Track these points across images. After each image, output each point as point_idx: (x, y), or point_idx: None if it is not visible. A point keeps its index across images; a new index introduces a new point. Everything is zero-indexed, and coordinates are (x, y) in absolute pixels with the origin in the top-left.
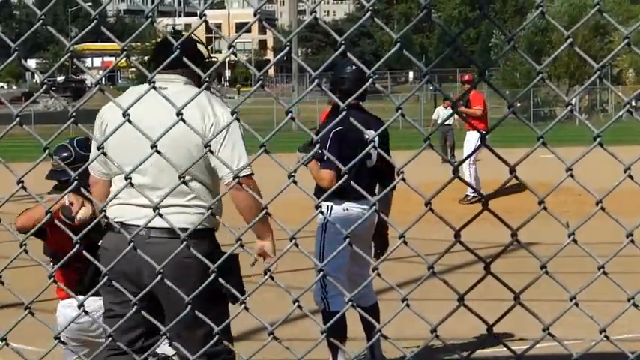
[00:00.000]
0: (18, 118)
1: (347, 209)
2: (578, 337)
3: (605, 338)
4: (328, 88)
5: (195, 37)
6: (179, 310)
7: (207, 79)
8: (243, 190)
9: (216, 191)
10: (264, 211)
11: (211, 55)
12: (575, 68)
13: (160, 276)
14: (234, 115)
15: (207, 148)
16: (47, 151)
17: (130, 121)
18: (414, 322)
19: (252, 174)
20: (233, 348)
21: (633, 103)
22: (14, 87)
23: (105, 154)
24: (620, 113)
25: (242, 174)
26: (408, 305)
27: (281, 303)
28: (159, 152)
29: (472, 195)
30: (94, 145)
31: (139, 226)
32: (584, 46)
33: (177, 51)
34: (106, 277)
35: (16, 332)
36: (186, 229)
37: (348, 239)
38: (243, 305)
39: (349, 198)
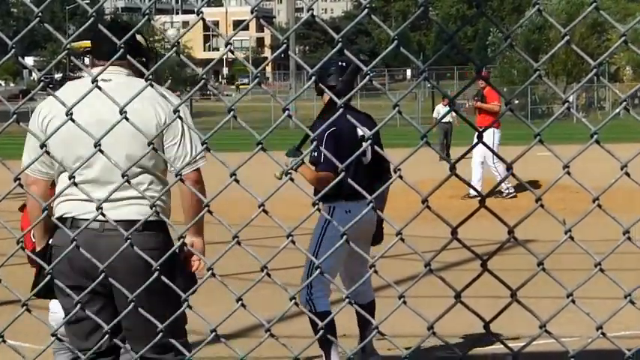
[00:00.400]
0: (15, 116)
1: (349, 210)
2: (575, 334)
3: (602, 335)
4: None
5: (131, 27)
6: (136, 305)
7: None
8: (199, 183)
9: (168, 183)
10: (206, 208)
11: (150, 46)
12: (572, 66)
13: (120, 269)
14: (177, 113)
15: (171, 140)
16: (44, 149)
17: (72, 120)
18: (410, 320)
19: (205, 158)
20: (187, 343)
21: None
22: (12, 84)
23: (48, 153)
24: (617, 110)
25: (199, 165)
26: (404, 302)
27: (278, 300)
28: (102, 151)
29: (506, 191)
30: (29, 145)
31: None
32: (581, 43)
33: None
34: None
35: (13, 329)
36: (139, 221)
37: (345, 237)
38: (240, 302)
39: (350, 198)
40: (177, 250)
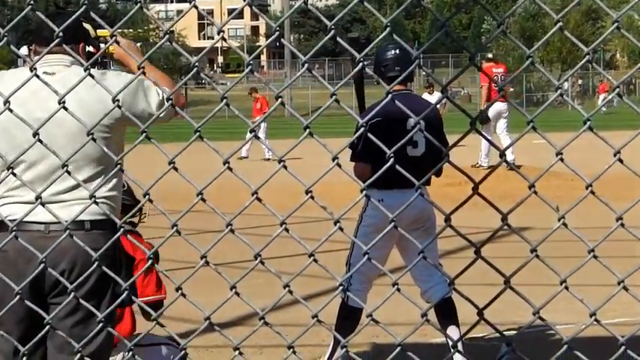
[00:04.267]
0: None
1: (382, 199)
2: (570, 321)
3: (595, 322)
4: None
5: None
6: (76, 307)
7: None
8: (180, 101)
9: (117, 182)
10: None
11: (98, 32)
12: (567, 53)
13: (67, 270)
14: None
15: (90, 137)
16: (37, 137)
17: (10, 109)
18: (405, 307)
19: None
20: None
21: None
22: None
23: (41, 142)
24: (610, 97)
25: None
26: (398, 290)
27: (272, 289)
28: (41, 141)
29: (485, 162)
30: None
31: (36, 222)
32: (576, 30)
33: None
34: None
35: None
36: (88, 221)
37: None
38: (234, 290)
39: (383, 187)
40: (120, 257)
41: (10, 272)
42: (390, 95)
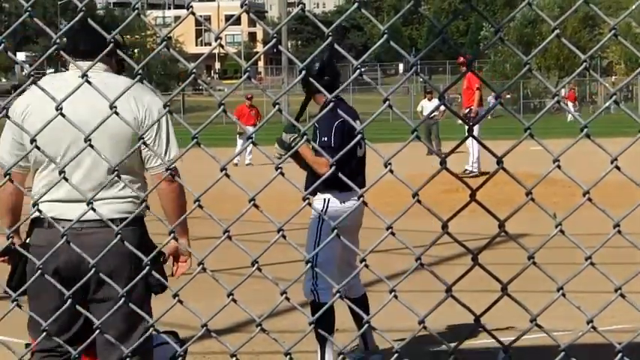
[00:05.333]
0: (5, 110)
1: (344, 201)
2: (567, 328)
3: (593, 329)
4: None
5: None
6: (113, 304)
7: (140, 71)
8: (174, 182)
9: (144, 180)
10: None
11: (126, 43)
12: (564, 60)
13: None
14: (167, 109)
15: (141, 140)
16: (34, 144)
17: (63, 115)
18: (402, 314)
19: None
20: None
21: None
22: (3, 80)
23: (38, 148)
24: (607, 104)
25: (169, 164)
26: (396, 297)
27: (269, 296)
28: (92, 146)
29: (472, 170)
30: (6, 138)
31: (69, 220)
32: (573, 37)
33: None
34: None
35: (3, 325)
36: (118, 219)
37: (336, 231)
38: (231, 297)
39: (344, 189)
40: (153, 245)
41: (45, 267)
42: (335, 101)
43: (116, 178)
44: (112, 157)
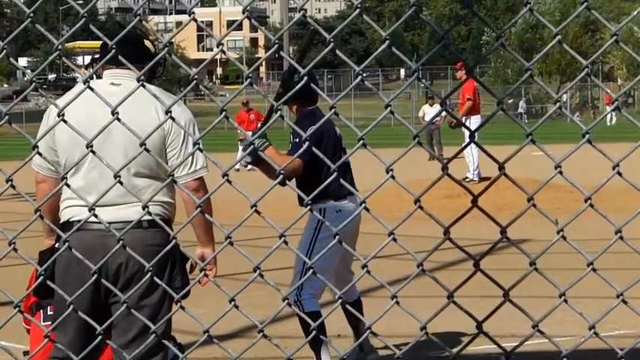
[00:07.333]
0: (7, 117)
1: (339, 210)
2: (569, 334)
3: (594, 335)
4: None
5: (141, 33)
6: (134, 306)
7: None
8: (200, 191)
9: (171, 187)
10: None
11: (157, 51)
12: (566, 65)
13: (128, 266)
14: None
15: (172, 147)
16: (36, 150)
17: (64, 121)
18: (404, 320)
19: (207, 169)
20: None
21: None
22: (5, 85)
23: (94, 152)
24: (609, 110)
25: (199, 174)
26: (397, 303)
27: (271, 301)
28: (93, 152)
29: (473, 177)
30: (41, 143)
31: (98, 222)
32: (574, 42)
33: (138, 46)
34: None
35: (6, 331)
36: (147, 220)
37: (338, 237)
38: (232, 303)
39: (339, 198)
40: (175, 252)
41: (74, 268)
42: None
43: (147, 182)
44: (141, 164)
